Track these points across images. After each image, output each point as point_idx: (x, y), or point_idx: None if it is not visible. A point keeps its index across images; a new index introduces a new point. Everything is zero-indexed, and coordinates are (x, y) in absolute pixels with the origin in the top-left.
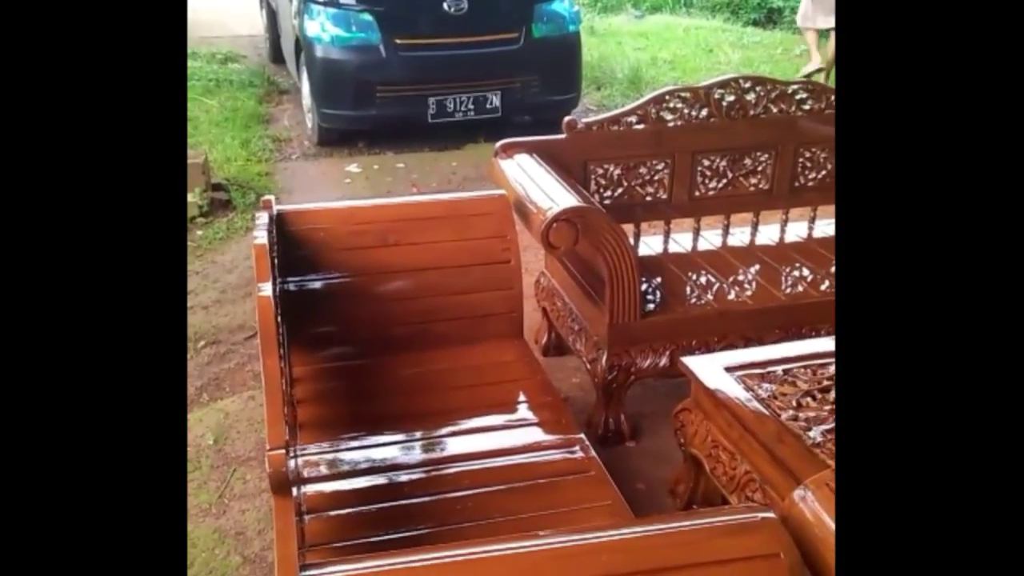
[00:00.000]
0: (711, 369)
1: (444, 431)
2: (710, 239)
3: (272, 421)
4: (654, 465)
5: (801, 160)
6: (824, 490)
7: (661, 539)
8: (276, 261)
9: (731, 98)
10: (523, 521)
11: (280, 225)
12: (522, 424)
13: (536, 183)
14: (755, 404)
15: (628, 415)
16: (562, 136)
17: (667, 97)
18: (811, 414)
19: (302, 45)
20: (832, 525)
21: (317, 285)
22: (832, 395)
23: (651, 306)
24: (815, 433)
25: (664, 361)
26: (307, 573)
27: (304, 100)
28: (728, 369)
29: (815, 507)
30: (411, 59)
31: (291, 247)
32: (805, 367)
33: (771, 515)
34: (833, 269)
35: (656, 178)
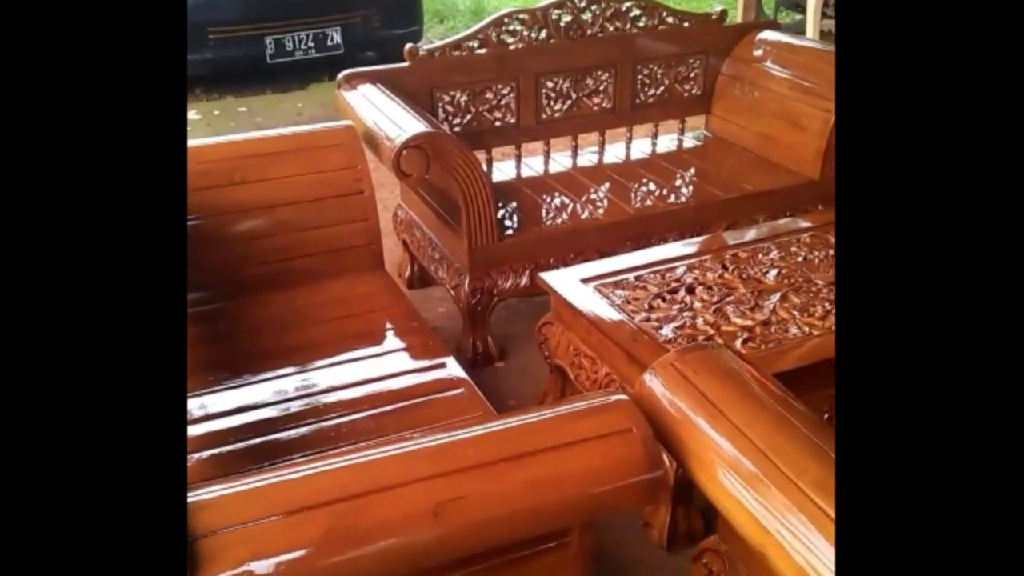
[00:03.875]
0: (568, 282)
1: (312, 365)
2: (560, 161)
3: None
4: (524, 382)
5: (640, 77)
6: (669, 370)
7: (523, 428)
8: None
9: (568, 18)
10: (398, 439)
11: None
12: (390, 351)
13: (383, 112)
14: (610, 310)
15: (495, 337)
16: (405, 64)
17: (506, 20)
18: (661, 314)
19: None
20: (676, 400)
21: None
22: (680, 295)
23: (509, 230)
24: (666, 331)
25: (525, 280)
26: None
27: None
28: (584, 280)
29: (660, 386)
30: None
31: None
32: (654, 272)
33: (623, 397)
34: (677, 181)
35: (503, 103)
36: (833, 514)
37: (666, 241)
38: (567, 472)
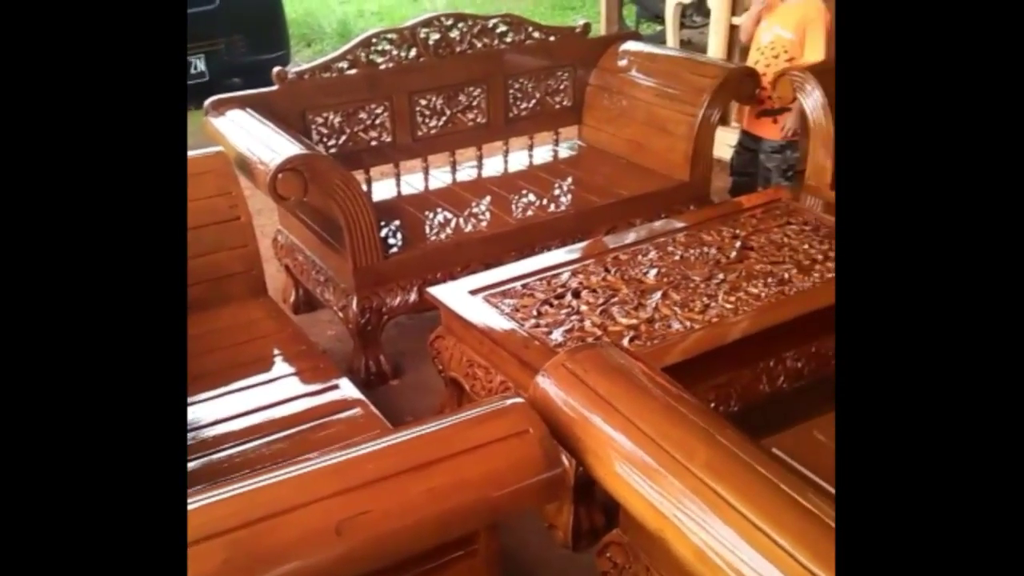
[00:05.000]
0: (456, 294)
1: (199, 398)
2: (440, 177)
3: None
4: (420, 397)
5: (511, 91)
6: (560, 370)
7: (422, 438)
8: None
9: (436, 36)
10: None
11: None
12: (280, 376)
13: (255, 137)
14: (500, 319)
15: (387, 355)
16: (274, 88)
17: (374, 40)
18: (550, 319)
19: None
20: (569, 399)
21: None
22: (567, 299)
23: (394, 248)
24: (556, 335)
25: (413, 297)
26: None
27: None
28: (472, 292)
29: (553, 386)
30: None
31: None
32: (540, 279)
33: (518, 400)
34: (555, 191)
35: (377, 122)
36: (724, 494)
37: (549, 249)
38: (469, 477)
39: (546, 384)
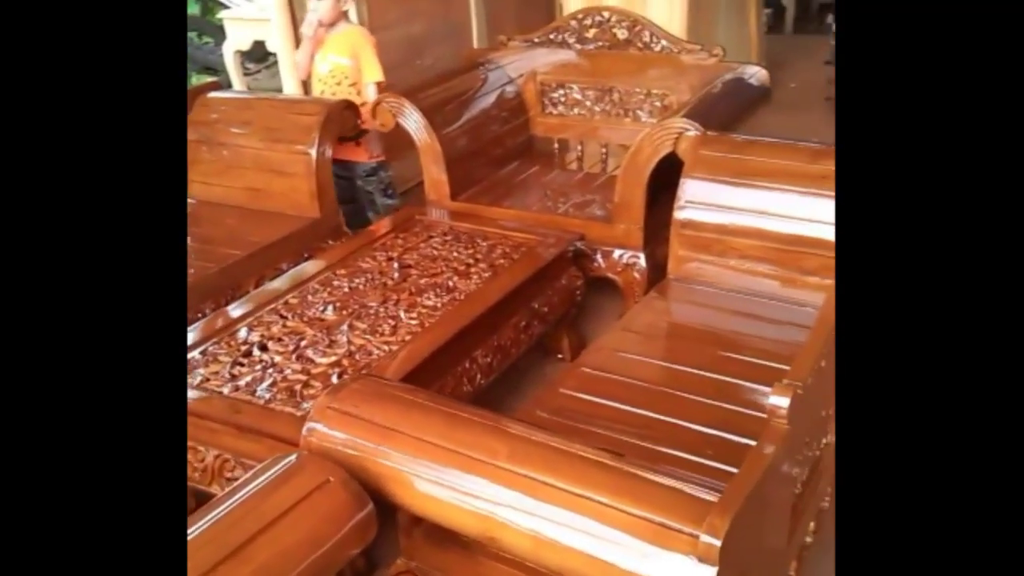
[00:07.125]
0: None
1: None
2: None
3: None
4: None
5: None
6: (328, 413)
7: (229, 519)
8: None
9: None
10: None
11: None
12: None
13: None
14: (194, 391)
15: None
16: None
17: None
18: (248, 378)
19: None
20: (350, 437)
21: None
22: (256, 355)
23: None
24: (262, 391)
25: None
26: None
27: None
28: None
29: (329, 430)
30: None
31: None
32: (217, 343)
33: (304, 453)
34: (188, 253)
35: None
36: (541, 477)
37: (206, 314)
38: (289, 544)
39: (320, 430)
